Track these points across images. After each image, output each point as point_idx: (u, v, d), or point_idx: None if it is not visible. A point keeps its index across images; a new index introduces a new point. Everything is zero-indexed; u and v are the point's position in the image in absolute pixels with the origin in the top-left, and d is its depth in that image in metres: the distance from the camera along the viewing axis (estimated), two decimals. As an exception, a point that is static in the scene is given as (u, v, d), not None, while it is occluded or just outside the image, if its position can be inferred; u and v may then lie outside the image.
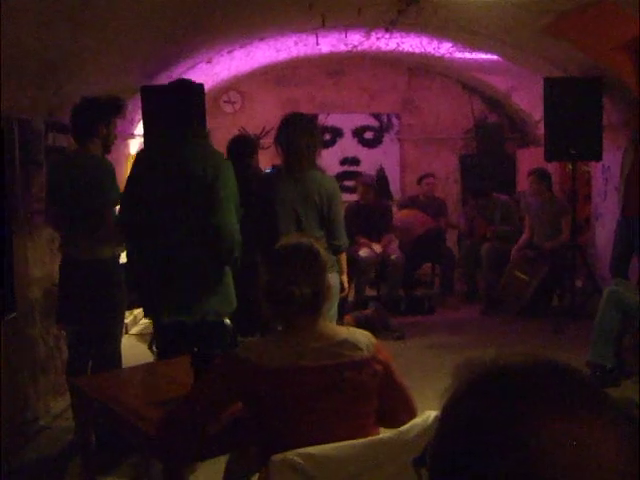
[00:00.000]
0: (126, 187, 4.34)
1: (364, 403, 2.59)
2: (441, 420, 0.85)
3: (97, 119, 4.62)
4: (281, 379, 2.47)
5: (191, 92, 4.35)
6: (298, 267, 2.57)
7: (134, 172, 4.34)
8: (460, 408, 0.83)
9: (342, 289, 4.79)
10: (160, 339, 4.60)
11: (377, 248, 8.28)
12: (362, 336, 2.64)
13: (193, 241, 4.12)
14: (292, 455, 2.26)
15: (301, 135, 4.56)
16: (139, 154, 4.48)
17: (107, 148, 4.77)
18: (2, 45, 4.00)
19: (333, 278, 4.42)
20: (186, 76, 7.59)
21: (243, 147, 6.26)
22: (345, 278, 4.85)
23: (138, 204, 4.21)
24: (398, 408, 2.67)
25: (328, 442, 2.37)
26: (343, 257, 4.82)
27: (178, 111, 4.25)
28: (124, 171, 7.63)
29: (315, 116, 9.46)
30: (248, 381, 2.47)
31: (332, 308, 4.50)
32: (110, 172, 4.57)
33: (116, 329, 4.83)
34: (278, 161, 4.91)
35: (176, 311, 4.23)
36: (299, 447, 2.31)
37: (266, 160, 8.13)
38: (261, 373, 2.46)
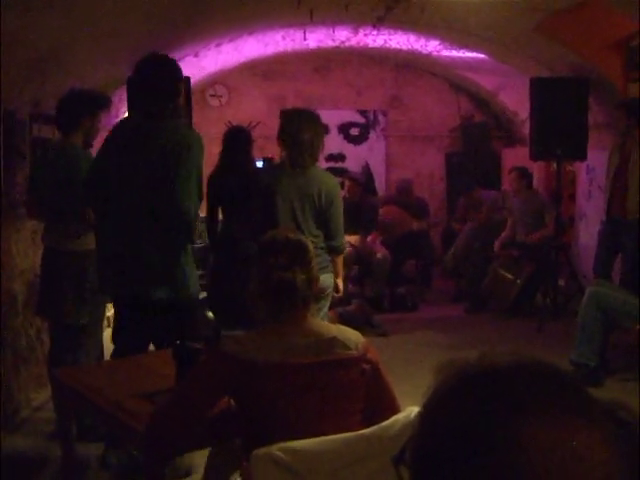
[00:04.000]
0: (93, 164, 4.20)
1: (350, 401, 2.59)
2: (422, 419, 0.84)
3: (82, 111, 4.61)
4: (268, 374, 2.46)
5: (156, 67, 4.16)
6: (291, 257, 2.58)
7: (101, 150, 4.17)
8: (442, 408, 0.82)
9: (337, 291, 4.74)
10: (119, 331, 4.29)
11: (353, 240, 8.25)
12: (352, 335, 2.64)
13: (150, 217, 3.95)
14: (274, 449, 2.26)
15: (304, 131, 4.51)
16: (108, 134, 4.32)
17: (89, 141, 4.75)
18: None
19: (327, 279, 4.40)
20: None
21: (244, 138, 6.24)
22: (340, 281, 4.78)
23: (103, 181, 4.06)
24: (384, 408, 2.66)
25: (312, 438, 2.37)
26: (340, 259, 4.75)
27: (145, 87, 4.11)
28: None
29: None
30: (235, 376, 2.47)
31: (324, 308, 4.48)
32: (89, 164, 4.55)
33: (97, 321, 4.82)
34: (266, 154, 4.89)
35: (124, 284, 4.05)
36: (283, 442, 2.31)
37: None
38: (248, 368, 2.45)
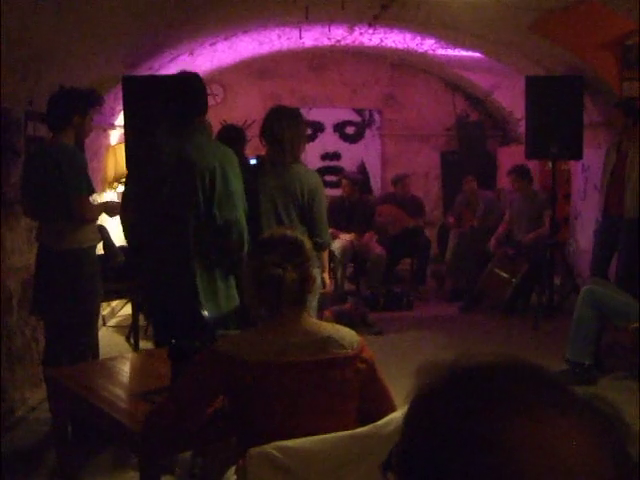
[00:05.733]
0: (128, 181, 4.26)
1: (346, 401, 2.59)
2: (406, 423, 0.84)
3: (72, 109, 4.58)
4: (263, 374, 2.46)
5: (195, 85, 4.23)
6: (284, 254, 2.58)
7: (135, 165, 4.24)
8: (425, 411, 0.82)
9: (323, 285, 4.78)
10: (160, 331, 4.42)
11: (348, 237, 8.25)
12: (347, 334, 2.64)
13: (200, 238, 4.02)
14: (269, 448, 2.26)
15: (286, 128, 4.54)
16: (138, 149, 4.33)
17: (80, 140, 4.73)
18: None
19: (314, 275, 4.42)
20: (167, 68, 7.56)
21: (235, 137, 6.24)
22: (326, 275, 4.85)
23: (141, 198, 4.12)
24: (380, 407, 2.65)
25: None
26: (325, 254, 4.81)
27: (183, 104, 4.12)
28: (104, 161, 7.59)
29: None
30: (230, 375, 2.47)
31: (312, 301, 4.49)
32: (79, 162, 4.53)
33: (91, 320, 4.80)
34: (261, 152, 4.89)
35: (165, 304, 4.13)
36: (278, 441, 2.31)
37: (248, 152, 8.11)
38: (243, 367, 2.45)
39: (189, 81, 4.26)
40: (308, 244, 2.70)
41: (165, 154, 4.06)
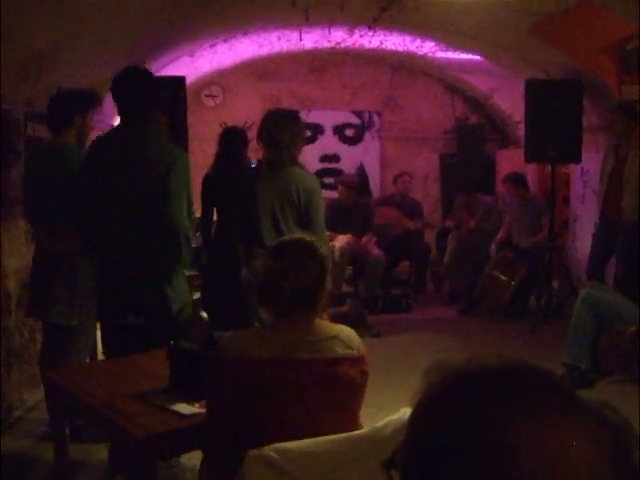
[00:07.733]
0: (77, 176, 4.19)
1: (350, 398, 2.63)
2: (411, 422, 0.84)
3: (73, 110, 4.58)
4: (269, 370, 2.48)
5: (139, 81, 4.11)
6: (293, 262, 2.58)
7: (86, 162, 4.17)
8: (431, 410, 0.82)
9: None
10: (107, 338, 4.34)
11: (346, 239, 8.24)
12: (353, 336, 2.68)
13: (143, 234, 3.97)
14: (268, 450, 2.26)
15: (283, 130, 4.54)
16: (90, 145, 4.28)
17: (81, 140, 4.73)
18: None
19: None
20: (168, 69, 7.56)
21: (238, 139, 6.25)
22: None
23: (89, 194, 4.07)
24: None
25: (316, 435, 2.39)
26: None
27: (128, 101, 4.05)
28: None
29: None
30: (237, 374, 2.48)
31: None
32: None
33: (90, 320, 4.79)
34: (260, 155, 4.90)
35: (112, 297, 4.12)
36: (286, 439, 2.33)
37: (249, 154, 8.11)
38: (249, 364, 2.47)
39: (134, 76, 4.13)
40: (323, 250, 2.69)
41: (113, 150, 4.03)
